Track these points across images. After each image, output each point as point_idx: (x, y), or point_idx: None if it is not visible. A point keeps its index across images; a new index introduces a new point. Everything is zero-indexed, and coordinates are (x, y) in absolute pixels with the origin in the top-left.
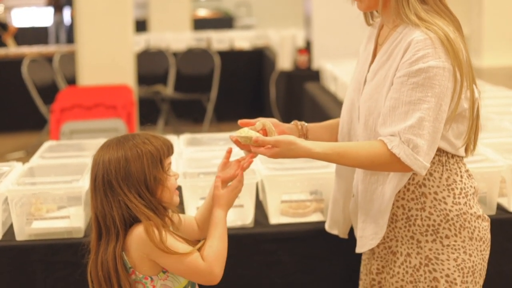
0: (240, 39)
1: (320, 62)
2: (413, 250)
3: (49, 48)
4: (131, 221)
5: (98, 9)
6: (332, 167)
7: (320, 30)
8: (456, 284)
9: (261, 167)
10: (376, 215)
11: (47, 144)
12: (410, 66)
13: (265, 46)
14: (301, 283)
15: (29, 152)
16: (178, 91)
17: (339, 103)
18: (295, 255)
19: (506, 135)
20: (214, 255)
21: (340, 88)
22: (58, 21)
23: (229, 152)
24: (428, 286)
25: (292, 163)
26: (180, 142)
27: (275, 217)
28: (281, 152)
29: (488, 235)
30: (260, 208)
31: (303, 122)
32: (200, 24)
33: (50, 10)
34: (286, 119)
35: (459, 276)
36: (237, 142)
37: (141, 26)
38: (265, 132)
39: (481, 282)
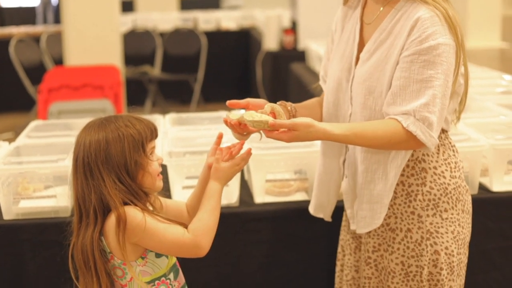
0: (226, 20)
1: (306, 42)
2: (414, 225)
3: (37, 29)
4: (109, 206)
5: None
6: (317, 146)
7: (306, 10)
8: (453, 255)
9: (246, 147)
10: (381, 194)
11: (33, 124)
12: (420, 44)
13: (252, 26)
14: (285, 261)
15: (17, 133)
16: (165, 71)
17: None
18: (279, 234)
19: (488, 115)
20: (202, 228)
21: None
22: (46, 1)
23: (220, 137)
24: (429, 259)
25: (277, 142)
26: (166, 122)
27: (260, 196)
28: (299, 135)
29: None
30: (245, 188)
31: (290, 103)
32: (187, 4)
33: None
34: (272, 99)
35: (455, 247)
36: (233, 126)
37: (127, 6)
38: (274, 116)
39: (467, 253)
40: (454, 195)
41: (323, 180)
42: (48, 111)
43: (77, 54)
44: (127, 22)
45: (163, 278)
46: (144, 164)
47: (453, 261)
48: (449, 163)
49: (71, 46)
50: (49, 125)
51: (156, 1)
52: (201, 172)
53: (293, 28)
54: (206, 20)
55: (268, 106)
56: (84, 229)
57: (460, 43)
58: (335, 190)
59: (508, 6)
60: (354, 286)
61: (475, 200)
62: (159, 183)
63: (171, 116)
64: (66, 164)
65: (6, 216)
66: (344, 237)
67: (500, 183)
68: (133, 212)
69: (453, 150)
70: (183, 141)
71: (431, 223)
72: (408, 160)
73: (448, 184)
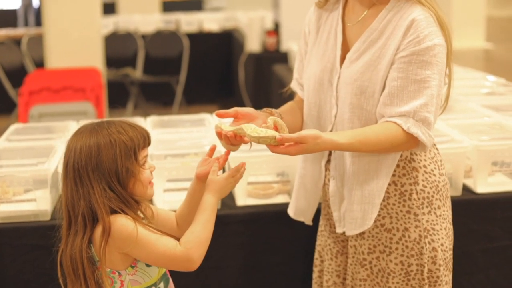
0: (209, 21)
1: (288, 44)
2: (411, 224)
3: (18, 31)
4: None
5: None
6: None
7: (289, 12)
8: (447, 251)
9: None
10: (372, 195)
11: (13, 127)
12: (418, 44)
13: (234, 28)
14: (268, 264)
15: None
16: (147, 73)
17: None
18: (261, 237)
19: (472, 116)
20: (194, 241)
21: None
22: (27, 4)
23: (213, 150)
24: (428, 256)
25: (258, 145)
26: (147, 124)
27: (242, 199)
28: (307, 148)
29: None
30: None
31: (275, 110)
32: (169, 6)
33: None
34: (255, 101)
35: (448, 243)
36: (228, 138)
37: (109, 8)
38: (276, 129)
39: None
40: (444, 192)
41: (304, 183)
42: (29, 114)
43: (58, 57)
44: (109, 24)
45: (153, 287)
46: (135, 172)
47: (447, 257)
48: (436, 161)
49: (52, 48)
50: (30, 128)
51: (138, 3)
52: (191, 184)
53: (275, 30)
54: (188, 22)
55: (271, 119)
56: (73, 236)
57: (449, 43)
58: (317, 193)
59: (492, 6)
60: None
61: (459, 202)
62: (151, 191)
63: (153, 118)
64: (46, 167)
65: None
66: (322, 243)
67: (484, 185)
68: (125, 222)
69: (436, 148)
70: (164, 143)
71: (427, 221)
72: (398, 160)
73: (439, 182)
